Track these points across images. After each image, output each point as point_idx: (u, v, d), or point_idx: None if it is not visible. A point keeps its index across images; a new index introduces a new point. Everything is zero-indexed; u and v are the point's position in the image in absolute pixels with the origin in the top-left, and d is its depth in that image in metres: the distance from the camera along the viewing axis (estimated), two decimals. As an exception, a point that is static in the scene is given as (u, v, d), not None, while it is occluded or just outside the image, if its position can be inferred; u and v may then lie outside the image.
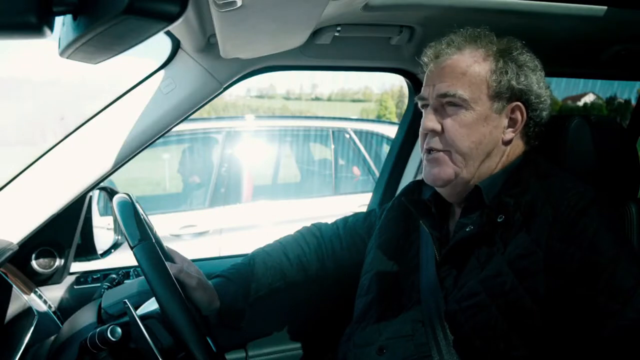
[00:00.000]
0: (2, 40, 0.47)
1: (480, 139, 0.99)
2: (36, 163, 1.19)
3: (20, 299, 1.15)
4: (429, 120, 1.01)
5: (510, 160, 1.04)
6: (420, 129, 1.05)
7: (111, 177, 1.45)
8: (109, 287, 1.29)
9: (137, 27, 0.48)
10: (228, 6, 0.72)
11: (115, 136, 1.22)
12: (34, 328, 1.09)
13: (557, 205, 0.89)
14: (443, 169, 1.02)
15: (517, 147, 1.05)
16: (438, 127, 1.01)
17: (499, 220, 0.94)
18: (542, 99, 1.03)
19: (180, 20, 0.47)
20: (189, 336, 0.84)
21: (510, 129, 1.02)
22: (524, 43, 1.04)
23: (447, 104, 1.00)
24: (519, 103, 1.01)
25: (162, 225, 3.25)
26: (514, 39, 1.04)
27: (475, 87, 0.98)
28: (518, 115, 1.01)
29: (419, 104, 1.08)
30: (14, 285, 1.16)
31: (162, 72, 1.25)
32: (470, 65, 0.99)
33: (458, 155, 1.00)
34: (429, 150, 1.03)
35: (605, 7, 1.12)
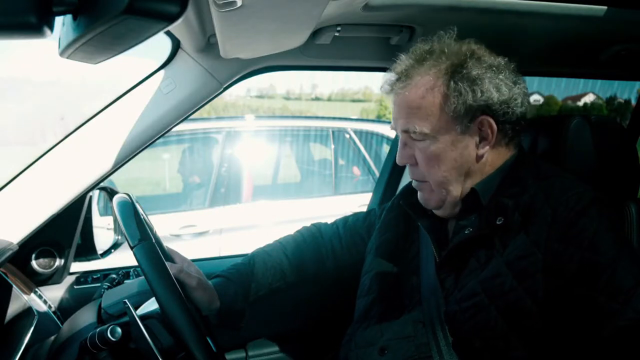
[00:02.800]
0: (2, 40, 0.47)
1: (452, 165, 0.99)
2: (36, 163, 1.19)
3: (20, 299, 1.15)
4: (400, 156, 1.04)
5: (500, 163, 1.02)
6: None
7: (111, 177, 1.45)
8: (109, 287, 1.29)
9: (137, 27, 0.48)
10: (228, 6, 0.72)
11: (115, 136, 1.22)
12: (34, 328, 1.09)
13: (556, 206, 0.89)
14: (429, 196, 1.04)
15: (500, 152, 1.02)
16: (411, 160, 1.03)
17: (498, 222, 0.94)
18: (511, 101, 0.97)
19: (180, 20, 0.47)
20: (189, 336, 0.84)
21: (482, 143, 0.99)
22: (479, 43, 1.00)
23: (412, 138, 1.01)
24: (484, 117, 0.96)
25: (162, 225, 3.25)
26: (469, 43, 1.00)
27: (433, 118, 0.96)
28: (487, 129, 0.97)
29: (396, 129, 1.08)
30: (14, 285, 1.16)
31: (162, 72, 1.25)
32: (423, 96, 0.96)
33: (435, 185, 1.01)
34: (413, 179, 1.06)
35: (605, 7, 1.12)
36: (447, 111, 0.96)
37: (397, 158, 1.05)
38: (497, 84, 0.96)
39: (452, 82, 0.95)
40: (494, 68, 0.97)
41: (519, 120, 1.01)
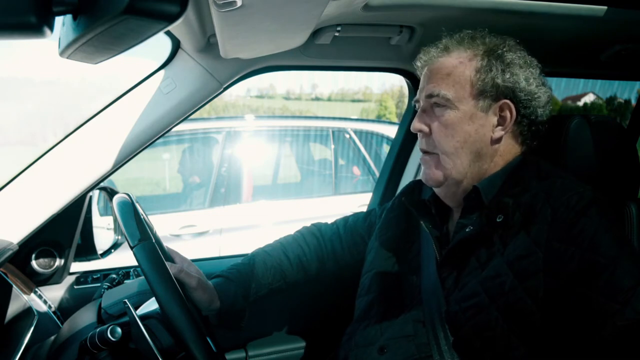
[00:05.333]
0: (2, 40, 0.47)
1: (465, 137, 1.00)
2: (36, 163, 1.19)
3: (20, 299, 1.15)
4: (416, 121, 1.05)
5: (507, 161, 1.04)
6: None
7: (111, 177, 1.45)
8: (109, 287, 1.29)
9: (137, 27, 0.48)
10: (228, 6, 0.72)
11: (115, 136, 1.22)
12: (34, 328, 1.09)
13: (557, 206, 0.89)
14: (432, 171, 1.04)
15: (512, 146, 1.04)
16: (425, 128, 1.04)
17: (498, 220, 0.94)
18: (535, 96, 1.01)
19: (180, 20, 0.47)
20: (189, 336, 0.84)
21: (499, 127, 1.02)
22: (517, 42, 1.04)
23: (434, 105, 1.02)
24: (507, 101, 1.00)
25: (162, 225, 3.26)
26: (507, 38, 1.04)
27: (459, 87, 1.00)
28: (507, 113, 1.01)
29: (415, 107, 1.10)
30: (14, 285, 1.16)
31: (162, 72, 1.25)
32: (456, 66, 1.01)
33: (444, 157, 1.02)
34: (423, 151, 1.07)
35: (605, 7, 1.12)
36: (474, 84, 1.00)
37: (412, 124, 1.05)
38: (526, 75, 1.01)
39: (486, 59, 1.00)
40: (527, 61, 1.03)
41: (537, 121, 1.04)
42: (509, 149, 1.04)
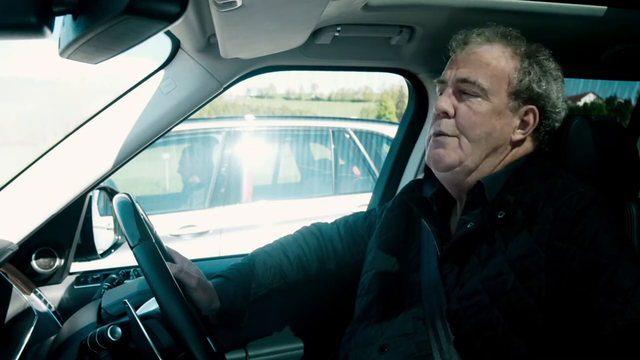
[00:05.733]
0: (2, 40, 0.47)
1: (490, 130, 0.99)
2: (36, 163, 1.19)
3: (20, 299, 1.15)
4: (444, 102, 1.01)
5: (515, 159, 1.04)
6: (434, 110, 1.03)
7: (111, 177, 1.45)
8: (109, 287, 1.29)
9: (137, 27, 0.48)
10: (228, 6, 0.72)
11: (115, 136, 1.22)
12: (34, 328, 1.09)
13: (558, 205, 0.89)
14: (448, 152, 1.00)
15: (525, 149, 1.05)
16: (452, 110, 1.00)
17: (499, 216, 0.94)
18: (557, 110, 1.03)
19: (180, 20, 0.47)
20: (189, 336, 0.84)
21: (520, 130, 1.02)
22: (551, 52, 1.05)
23: (465, 91, 1.00)
24: (533, 107, 1.01)
25: (162, 225, 3.26)
26: (543, 45, 1.05)
27: (496, 81, 0.99)
28: (530, 118, 1.02)
29: (437, 88, 1.08)
30: (14, 285, 1.16)
31: (162, 72, 1.25)
32: (497, 58, 1.00)
33: (467, 141, 0.99)
34: (438, 134, 1.02)
35: (605, 7, 1.12)
36: (510, 82, 0.99)
37: (438, 105, 1.01)
38: (557, 87, 1.03)
39: (527, 61, 1.01)
40: (560, 75, 1.05)
41: (553, 130, 1.06)
42: (521, 152, 1.05)
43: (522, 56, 1.01)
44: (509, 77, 1.00)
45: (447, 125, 1.01)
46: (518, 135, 1.02)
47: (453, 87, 1.02)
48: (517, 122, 1.02)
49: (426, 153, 1.07)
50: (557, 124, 1.06)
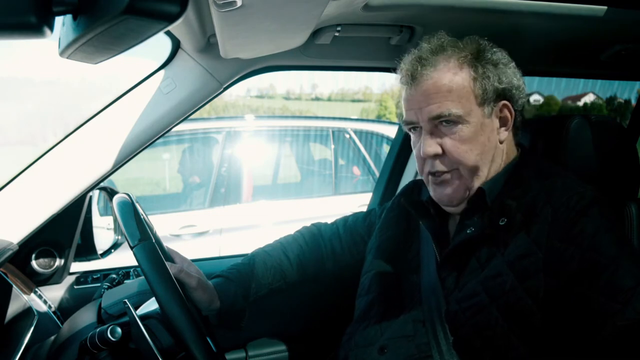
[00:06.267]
0: (2, 40, 0.47)
1: (482, 149, 0.99)
2: (36, 163, 1.19)
3: (20, 299, 1.15)
4: (429, 146, 0.98)
5: (509, 160, 1.04)
6: (418, 153, 1.02)
7: (111, 177, 1.45)
8: (109, 287, 1.29)
9: (137, 27, 0.48)
10: (228, 6, 0.72)
11: (115, 136, 1.22)
12: (34, 328, 1.09)
13: (558, 206, 0.89)
14: (455, 189, 1.01)
15: (511, 143, 1.06)
16: (439, 149, 0.98)
17: (501, 223, 0.94)
18: (521, 88, 1.03)
19: (180, 20, 0.47)
20: (189, 336, 0.84)
21: (502, 128, 1.02)
22: (486, 39, 1.03)
23: (441, 124, 0.98)
24: (504, 101, 1.01)
25: (162, 225, 3.26)
26: (476, 38, 1.02)
27: (465, 100, 0.97)
28: (506, 112, 1.02)
29: (406, 129, 1.06)
30: (14, 285, 1.16)
31: (162, 72, 1.25)
32: (451, 79, 0.97)
33: (467, 171, 0.99)
34: (435, 173, 1.01)
35: (605, 7, 1.12)
36: (476, 94, 0.98)
37: (423, 150, 0.99)
38: (513, 70, 1.02)
39: (478, 66, 0.98)
40: (507, 57, 1.03)
41: (522, 109, 1.05)
42: (509, 147, 1.05)
43: (470, 62, 0.98)
44: (473, 90, 0.97)
45: (440, 164, 1.00)
46: (503, 134, 1.02)
47: (428, 126, 0.99)
48: (497, 123, 1.01)
49: (430, 191, 1.06)
50: (522, 101, 1.04)
